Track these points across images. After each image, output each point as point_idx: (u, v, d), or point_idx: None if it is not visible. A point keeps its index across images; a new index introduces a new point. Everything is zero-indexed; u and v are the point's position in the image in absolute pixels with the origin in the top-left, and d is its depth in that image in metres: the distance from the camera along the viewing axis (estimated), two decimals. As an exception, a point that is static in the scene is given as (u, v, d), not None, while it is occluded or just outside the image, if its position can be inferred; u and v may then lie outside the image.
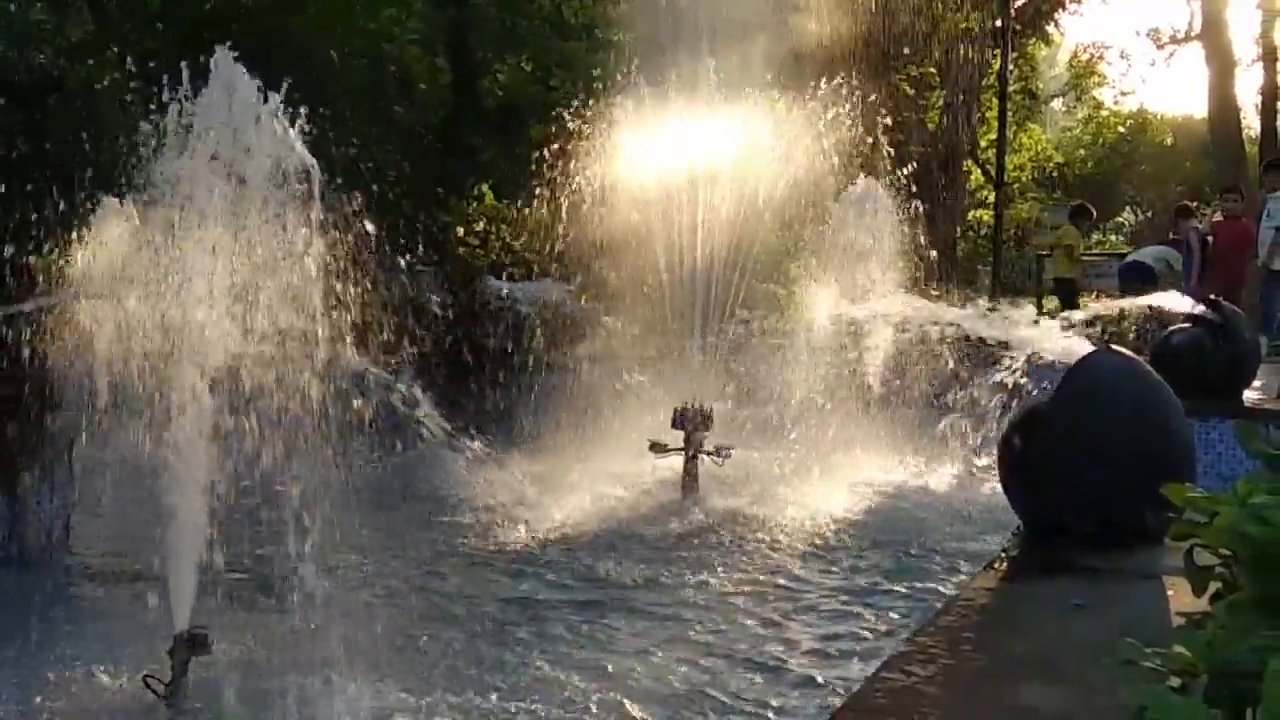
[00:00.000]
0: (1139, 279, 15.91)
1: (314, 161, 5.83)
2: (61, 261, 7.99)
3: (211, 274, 5.75)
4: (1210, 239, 16.37)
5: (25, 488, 8.37)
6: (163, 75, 5.94)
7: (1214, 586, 2.24)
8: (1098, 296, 17.42)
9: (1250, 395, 11.09)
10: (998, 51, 23.46)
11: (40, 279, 8.37)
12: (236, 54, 5.82)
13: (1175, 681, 1.98)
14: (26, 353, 7.66)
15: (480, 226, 18.07)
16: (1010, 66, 23.64)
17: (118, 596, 7.52)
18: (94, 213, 7.57)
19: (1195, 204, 19.43)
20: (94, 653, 6.12)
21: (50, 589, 7.63)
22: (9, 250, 8.12)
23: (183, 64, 5.75)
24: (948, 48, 24.17)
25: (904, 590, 7.64)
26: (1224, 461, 9.54)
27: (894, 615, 7.11)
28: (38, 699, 5.64)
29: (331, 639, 5.83)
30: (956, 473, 10.84)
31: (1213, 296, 11.14)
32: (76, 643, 6.35)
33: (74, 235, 7.79)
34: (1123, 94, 36.82)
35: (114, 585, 7.84)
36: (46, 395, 8.11)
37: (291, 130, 5.78)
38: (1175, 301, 11.07)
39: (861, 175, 12.77)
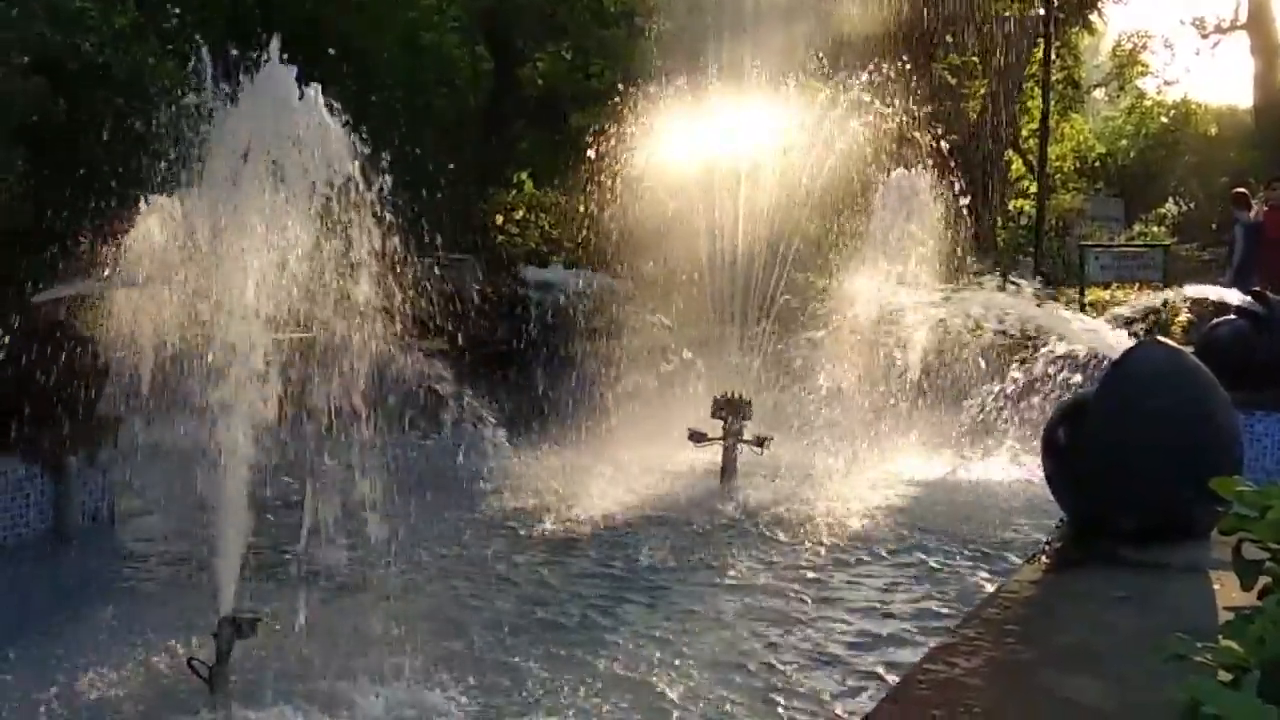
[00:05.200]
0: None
1: (356, 151, 5.84)
2: (108, 247, 8.06)
3: (254, 263, 5.77)
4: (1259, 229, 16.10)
5: (70, 468, 8.45)
6: (206, 64, 5.98)
7: (1263, 581, 2.22)
8: (1141, 289, 17.17)
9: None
10: (1040, 40, 23.25)
11: (87, 264, 8.45)
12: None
13: (1225, 676, 1.96)
14: (76, 335, 7.74)
15: (520, 215, 18.13)
16: (1053, 56, 23.40)
17: (162, 578, 7.60)
18: (139, 201, 7.63)
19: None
20: (137, 634, 6.14)
21: (95, 569, 7.72)
22: (56, 236, 8.20)
23: (226, 52, 5.78)
24: (990, 37, 24.01)
25: (945, 580, 7.60)
26: (1269, 455, 9.45)
27: (934, 605, 7.07)
28: (79, 680, 5.62)
29: (373, 622, 5.86)
30: (1002, 466, 10.77)
31: (1258, 288, 11.00)
32: (119, 624, 6.38)
33: (120, 222, 7.86)
34: (1166, 84, 36.32)
35: (158, 567, 7.92)
36: (94, 377, 8.20)
37: (334, 119, 5.80)
38: (1220, 293, 10.94)
39: (901, 165, 12.69)
